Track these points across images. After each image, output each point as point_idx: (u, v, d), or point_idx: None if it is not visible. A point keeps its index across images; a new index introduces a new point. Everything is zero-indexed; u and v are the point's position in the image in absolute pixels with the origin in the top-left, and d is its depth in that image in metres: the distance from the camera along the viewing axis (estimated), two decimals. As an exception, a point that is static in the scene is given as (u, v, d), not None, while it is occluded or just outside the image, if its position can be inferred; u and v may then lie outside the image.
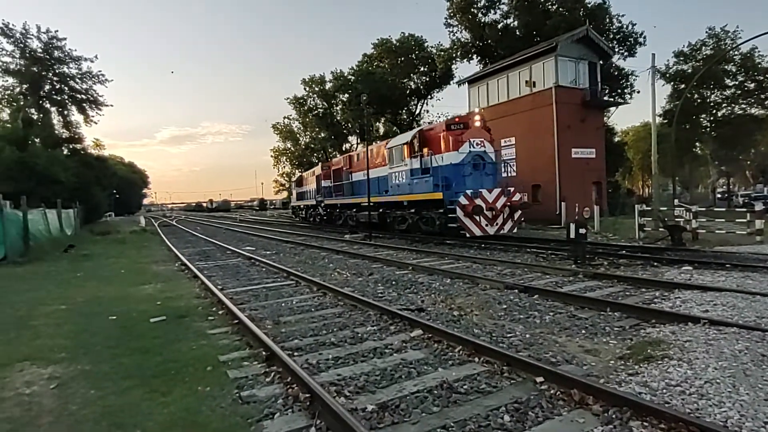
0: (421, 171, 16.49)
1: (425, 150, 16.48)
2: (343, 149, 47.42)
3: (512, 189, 15.26)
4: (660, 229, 14.54)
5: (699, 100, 37.73)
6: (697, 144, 43.58)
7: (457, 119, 16.83)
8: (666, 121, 36.41)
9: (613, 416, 3.37)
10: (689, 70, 36.92)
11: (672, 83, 38.68)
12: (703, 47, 36.99)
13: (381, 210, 19.85)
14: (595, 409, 3.48)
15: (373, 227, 19.81)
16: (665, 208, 16.27)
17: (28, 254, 14.86)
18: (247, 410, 3.75)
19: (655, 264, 10.05)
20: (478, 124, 15.62)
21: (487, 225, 14.73)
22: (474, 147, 15.23)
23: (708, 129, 39.47)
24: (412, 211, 17.52)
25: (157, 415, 3.74)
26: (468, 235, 14.70)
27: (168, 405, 3.91)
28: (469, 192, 14.47)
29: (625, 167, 43.45)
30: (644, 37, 32.04)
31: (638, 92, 33.18)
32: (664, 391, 3.74)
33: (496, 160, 15.99)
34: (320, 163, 31.07)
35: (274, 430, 3.42)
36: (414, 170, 16.85)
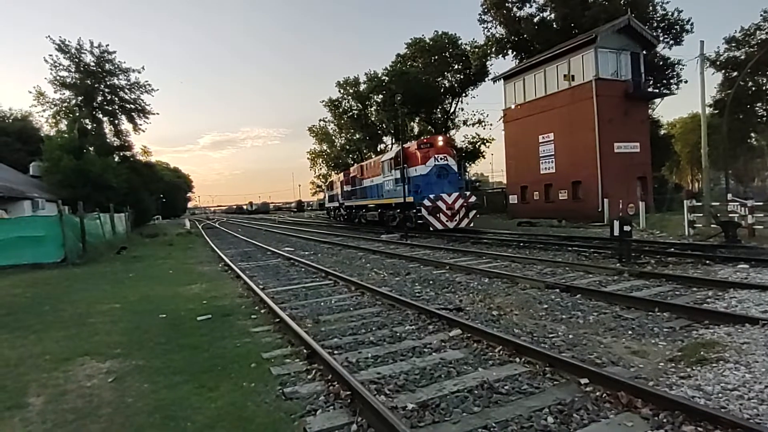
0: (402, 180, 20.05)
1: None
2: (378, 150, 47.68)
3: (468, 193, 19.48)
4: (712, 226, 13.78)
5: (754, 88, 35.54)
6: (752, 135, 41.00)
7: (425, 140, 21.43)
8: (717, 111, 34.50)
9: (664, 420, 3.24)
10: (742, 57, 34.81)
11: (723, 71, 36.61)
12: (758, 32, 34.75)
13: (380, 210, 24.01)
14: (645, 413, 3.35)
15: (374, 224, 24.82)
16: (717, 203, 15.40)
17: (85, 256, 15.81)
18: (291, 406, 3.85)
19: (707, 262, 9.54)
20: (441, 143, 20.19)
21: (447, 221, 18.55)
22: (438, 161, 19.32)
23: (764, 118, 37.05)
24: (398, 210, 21.46)
25: (206, 409, 3.91)
26: (432, 229, 18.52)
27: (215, 400, 4.07)
28: (431, 196, 18.30)
29: (672, 161, 41.48)
30: (691, 24, 30.45)
31: (686, 82, 31.63)
32: (720, 395, 3.55)
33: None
34: (343, 171, 35.04)
35: (316, 426, 3.49)
36: (397, 179, 20.56)
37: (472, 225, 19.63)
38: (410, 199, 19.22)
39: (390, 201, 22.10)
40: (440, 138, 20.91)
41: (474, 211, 19.59)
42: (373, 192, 24.58)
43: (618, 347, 4.89)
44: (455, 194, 18.72)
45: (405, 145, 21.85)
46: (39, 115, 35.41)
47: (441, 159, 19.35)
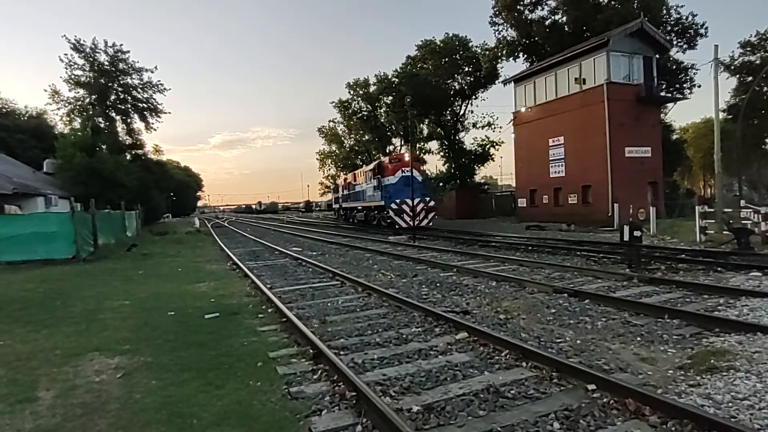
0: (378, 188, 25.23)
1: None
2: (387, 151, 47.69)
3: (428, 198, 23.58)
4: (724, 232, 13.59)
5: (769, 93, 34.94)
6: (767, 140, 40.36)
7: (394, 156, 26.92)
8: (731, 116, 34.07)
9: (673, 429, 3.21)
10: (757, 61, 34.35)
11: (738, 76, 36.14)
12: (774, 36, 34.24)
13: (365, 211, 29.08)
14: (653, 421, 3.32)
15: (361, 223, 30.04)
16: (730, 210, 15.17)
17: (96, 253, 16.00)
18: (296, 406, 3.87)
19: (719, 269, 9.41)
20: (407, 159, 24.17)
21: (410, 220, 22.26)
22: (405, 173, 23.45)
23: (780, 124, 36.49)
24: (376, 212, 26.37)
25: (212, 406, 3.94)
26: (397, 227, 22.57)
27: (222, 398, 4.10)
28: (398, 200, 22.75)
29: (684, 166, 40.95)
30: (706, 28, 30.01)
31: (699, 86, 30.77)
32: (730, 404, 3.51)
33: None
34: (344, 176, 38.55)
35: (321, 426, 3.50)
36: (375, 187, 25.79)
37: (431, 224, 23.94)
38: (382, 203, 24.37)
39: (371, 204, 27.11)
40: (407, 155, 25.82)
41: (433, 213, 23.94)
42: (361, 196, 29.56)
43: (626, 354, 4.84)
44: (417, 199, 22.80)
45: (381, 160, 27.27)
46: (53, 113, 36.03)
47: (407, 171, 23.48)
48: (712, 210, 15.84)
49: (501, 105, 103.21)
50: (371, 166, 27.68)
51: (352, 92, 48.23)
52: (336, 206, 43.10)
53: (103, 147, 29.65)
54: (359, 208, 30.36)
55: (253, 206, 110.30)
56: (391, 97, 41.10)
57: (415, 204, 22.57)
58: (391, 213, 22.88)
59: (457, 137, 42.59)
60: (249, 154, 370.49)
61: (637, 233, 10.04)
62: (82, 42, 32.11)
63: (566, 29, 31.80)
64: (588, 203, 24.30)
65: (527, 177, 29.27)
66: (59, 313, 7.69)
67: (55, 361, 5.20)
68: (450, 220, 35.31)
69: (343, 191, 36.21)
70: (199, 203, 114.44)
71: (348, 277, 9.80)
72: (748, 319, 5.75)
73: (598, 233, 19.07)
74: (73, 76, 32.58)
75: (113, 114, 35.10)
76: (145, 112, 35.69)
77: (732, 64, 35.57)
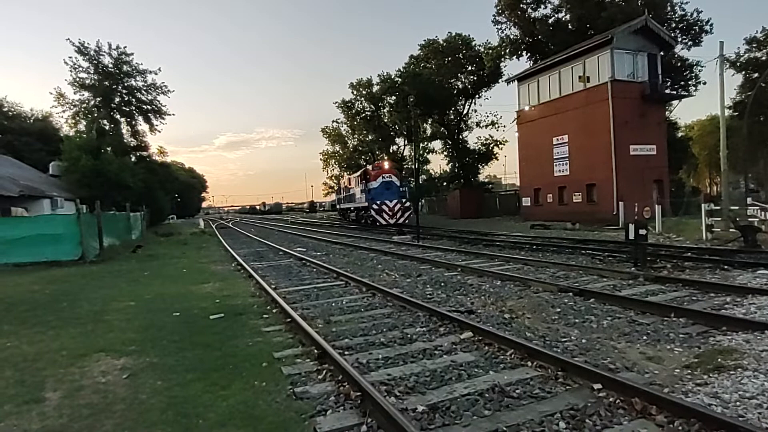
0: (364, 191, 28.94)
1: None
2: (391, 151, 47.73)
3: (405, 200, 27.24)
4: (731, 230, 13.49)
5: (775, 90, 34.57)
6: (774, 137, 39.98)
7: (377, 164, 31.11)
8: (736, 113, 33.74)
9: (680, 428, 3.18)
10: (763, 58, 34.04)
11: (743, 72, 35.82)
12: (780, 32, 33.91)
13: (356, 212, 32.93)
14: (659, 420, 3.30)
15: (354, 222, 33.66)
16: (736, 207, 15.06)
17: (102, 254, 16.09)
18: (301, 406, 3.87)
19: (726, 267, 9.34)
20: (387, 167, 29.15)
21: (389, 218, 26.81)
22: (385, 178, 27.65)
23: (786, 120, 36.13)
24: (363, 212, 30.12)
25: (217, 407, 3.95)
26: (378, 224, 26.88)
27: (227, 398, 4.11)
28: (378, 202, 26.88)
29: (689, 164, 40.65)
30: (711, 25, 29.74)
31: (704, 84, 30.49)
32: (738, 403, 3.48)
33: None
34: (346, 176, 41.50)
35: (326, 426, 3.50)
36: (362, 190, 29.67)
37: (408, 221, 27.20)
38: (366, 204, 28.36)
39: (360, 205, 31.01)
40: (386, 163, 30.62)
41: (408, 212, 27.68)
42: (353, 198, 33.32)
43: (632, 353, 4.82)
44: (395, 200, 26.89)
45: (368, 168, 30.99)
46: (59, 116, 36.09)
47: (387, 177, 27.64)
48: (718, 208, 15.73)
49: (505, 104, 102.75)
50: (359, 173, 32.21)
51: (355, 92, 48.31)
52: (339, 206, 44.53)
53: (108, 149, 29.77)
54: (352, 208, 34.45)
55: (258, 207, 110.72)
56: (394, 97, 41.09)
57: (393, 205, 26.87)
58: (373, 212, 27.07)
59: (460, 136, 42.54)
60: (253, 155, 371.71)
61: (642, 231, 9.98)
62: (86, 45, 32.26)
63: (570, 27, 31.65)
64: (593, 202, 24.21)
65: (531, 176, 29.20)
66: (65, 314, 7.73)
67: (61, 362, 5.23)
68: (454, 219, 35.27)
69: (342, 193, 39.83)
70: (204, 204, 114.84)
71: (352, 277, 9.80)
72: (755, 317, 5.70)
73: (603, 232, 18.99)
74: (78, 79, 32.68)
75: (118, 116, 35.19)
76: (150, 114, 35.75)
77: (738, 60, 35.25)
